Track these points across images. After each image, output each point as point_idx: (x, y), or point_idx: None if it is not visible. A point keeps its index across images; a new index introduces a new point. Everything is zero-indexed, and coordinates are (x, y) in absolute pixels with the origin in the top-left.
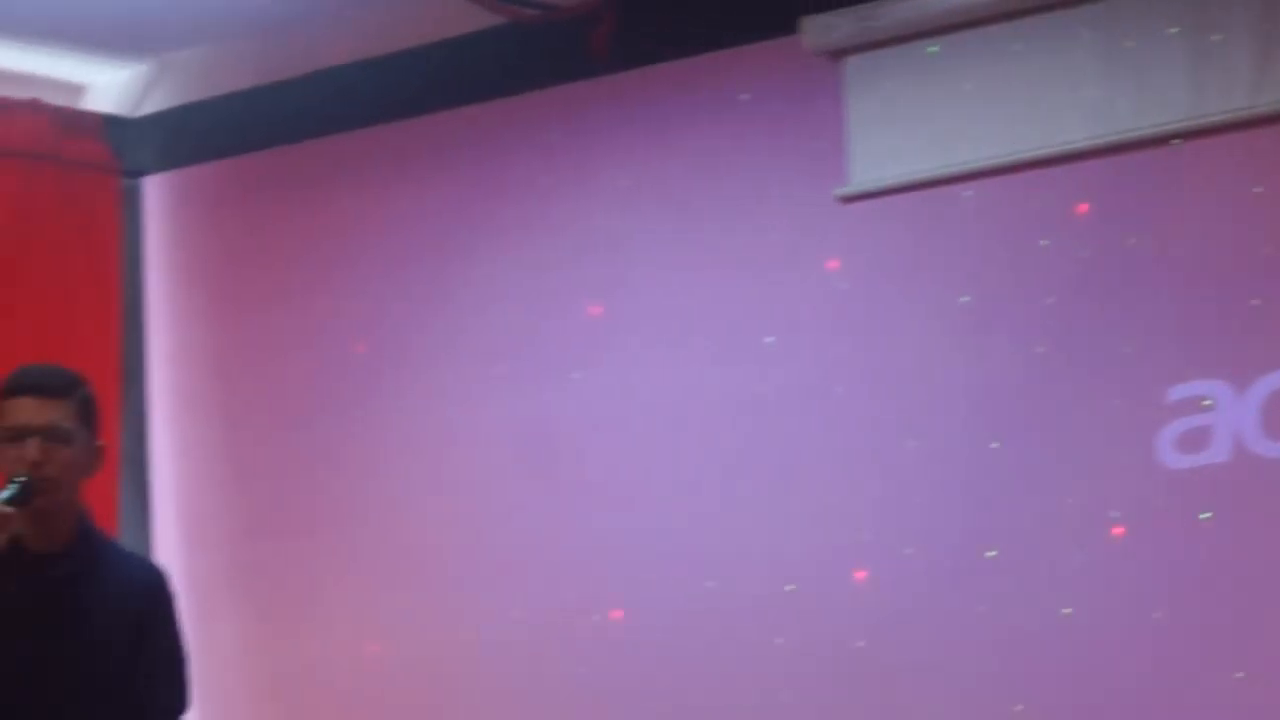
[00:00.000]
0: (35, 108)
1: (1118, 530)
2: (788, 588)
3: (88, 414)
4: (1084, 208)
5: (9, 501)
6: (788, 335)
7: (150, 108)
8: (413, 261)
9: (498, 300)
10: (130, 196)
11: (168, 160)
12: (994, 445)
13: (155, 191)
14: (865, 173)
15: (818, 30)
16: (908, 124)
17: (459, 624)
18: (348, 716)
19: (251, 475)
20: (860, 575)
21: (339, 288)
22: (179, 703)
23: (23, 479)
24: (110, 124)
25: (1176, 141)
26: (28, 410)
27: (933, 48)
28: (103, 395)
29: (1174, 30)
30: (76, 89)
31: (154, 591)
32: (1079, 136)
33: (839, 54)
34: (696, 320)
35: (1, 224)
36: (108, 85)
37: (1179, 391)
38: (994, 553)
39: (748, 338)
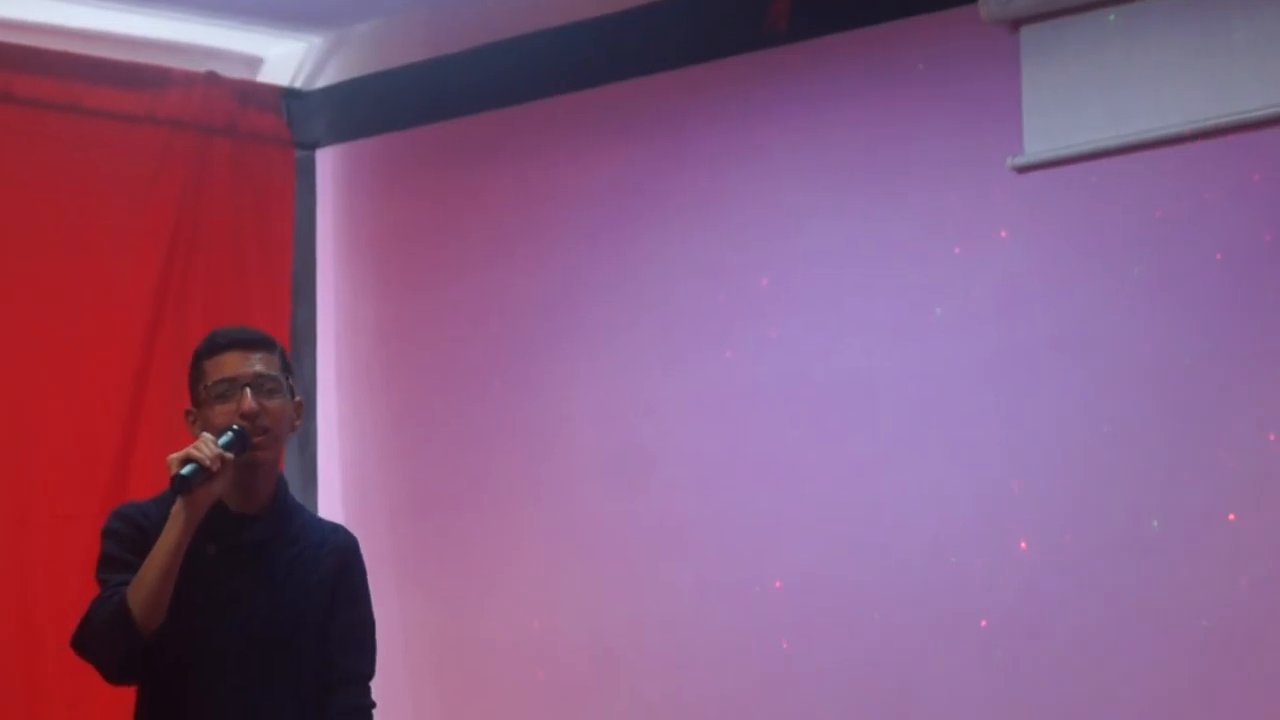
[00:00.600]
0: (212, 80)
1: None
2: (951, 560)
3: (289, 369)
4: (1258, 177)
5: (226, 447)
6: (958, 307)
7: (324, 81)
8: (585, 235)
9: (671, 274)
10: (304, 169)
11: (341, 133)
12: (1167, 416)
13: (328, 164)
14: (1040, 143)
15: (995, 0)
16: (1084, 93)
17: (623, 599)
18: (510, 693)
19: (419, 452)
20: (1024, 546)
21: (511, 262)
22: (369, 669)
23: (236, 427)
24: (286, 97)
25: None
26: (234, 363)
27: (1111, 16)
28: None
29: None
30: (253, 62)
31: (347, 557)
32: (1255, 106)
33: (1015, 23)
34: (866, 292)
35: (177, 195)
36: (283, 58)
37: None
38: (1157, 523)
39: (917, 310)
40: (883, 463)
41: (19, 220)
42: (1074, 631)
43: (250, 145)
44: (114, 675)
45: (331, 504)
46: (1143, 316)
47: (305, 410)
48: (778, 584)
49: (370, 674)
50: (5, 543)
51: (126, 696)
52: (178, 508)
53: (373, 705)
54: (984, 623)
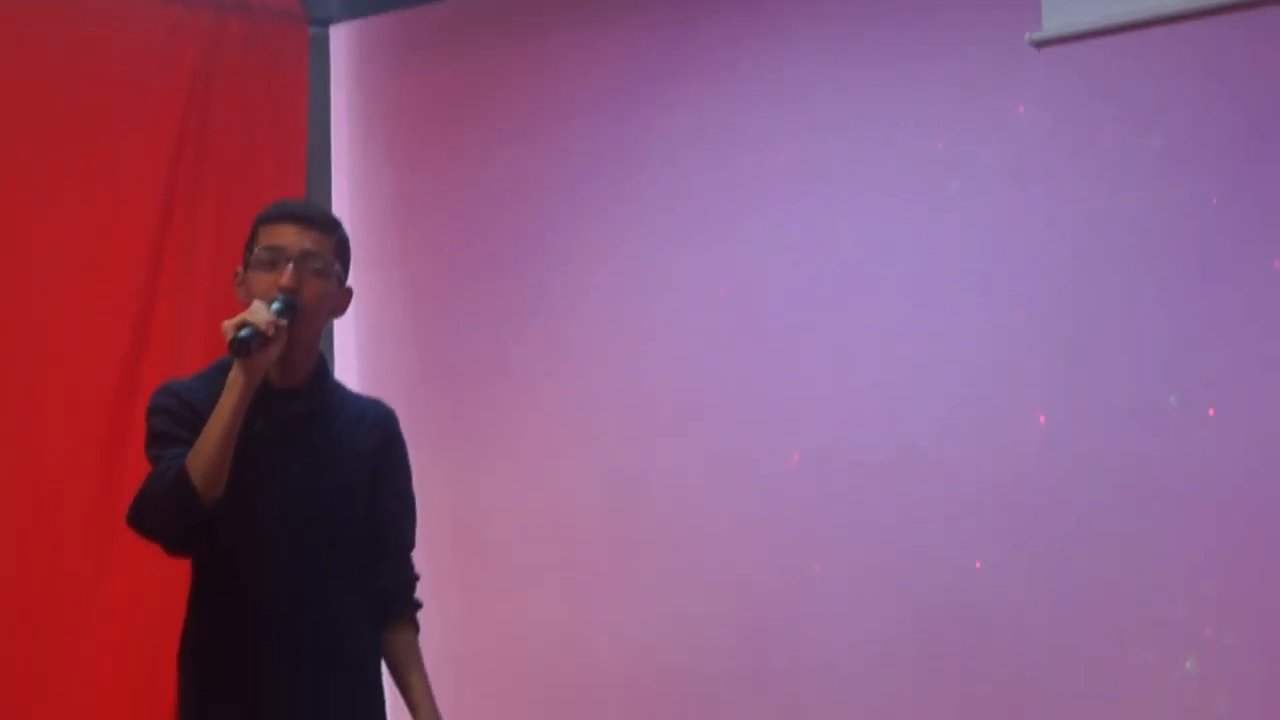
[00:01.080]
0: None
1: None
2: (967, 433)
3: (345, 256)
4: (1274, 51)
5: (279, 314)
6: (974, 181)
7: None
8: (600, 110)
9: (685, 147)
10: (317, 45)
11: (355, 8)
12: (1183, 288)
13: (342, 40)
14: (1058, 18)
15: None
16: None
17: (638, 474)
18: (529, 562)
19: (435, 327)
20: (1041, 420)
21: (526, 137)
22: (411, 538)
23: (286, 297)
24: None
25: None
26: (287, 235)
27: None
28: None
29: None
30: None
31: (388, 430)
32: None
33: None
34: (883, 165)
35: (190, 72)
36: None
37: None
38: (1174, 398)
39: (933, 184)
40: (899, 335)
41: (29, 100)
42: (1091, 505)
43: (264, 21)
44: (174, 546)
45: (348, 378)
46: (1161, 189)
47: None
48: (795, 458)
49: (412, 545)
50: (21, 427)
51: (142, 575)
52: (235, 374)
53: (417, 578)
54: (1000, 495)
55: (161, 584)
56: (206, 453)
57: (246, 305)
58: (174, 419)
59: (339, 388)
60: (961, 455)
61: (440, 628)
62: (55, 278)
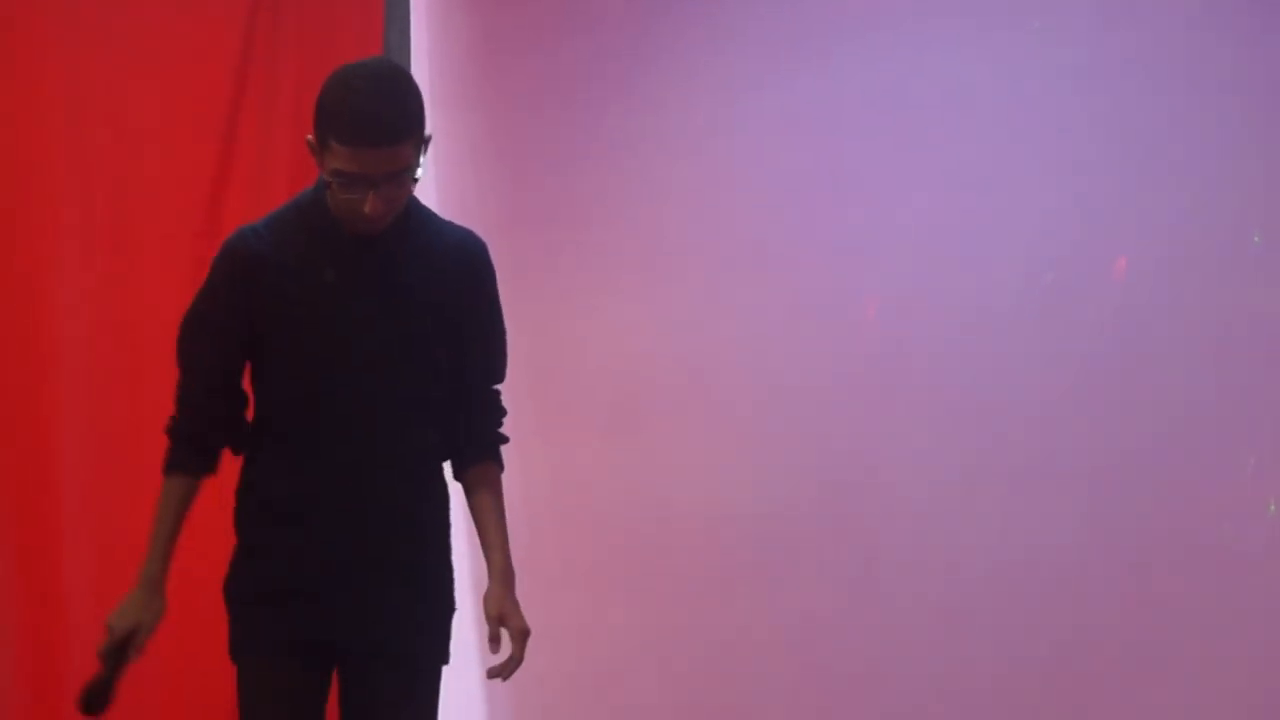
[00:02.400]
0: None
1: None
2: (1048, 276)
3: (421, 123)
4: None
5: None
6: (1057, 18)
7: None
8: None
9: None
10: None
11: None
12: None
13: None
14: None
15: None
16: None
17: (713, 322)
18: (602, 414)
19: (514, 170)
20: (1121, 264)
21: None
22: (501, 372)
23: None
24: None
25: None
26: (365, 161)
27: None
28: None
29: None
30: None
31: (475, 264)
32: None
33: None
34: (958, 6)
35: None
36: None
37: None
38: (1257, 237)
39: (1015, 22)
40: (979, 178)
41: None
42: (1172, 343)
43: None
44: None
45: None
46: (1246, 30)
47: None
48: (870, 310)
49: (502, 378)
50: (111, 266)
51: None
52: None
53: (504, 412)
54: (1081, 341)
55: None
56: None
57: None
58: (216, 299)
59: (427, 223)
60: (1042, 299)
61: (519, 475)
62: (138, 124)
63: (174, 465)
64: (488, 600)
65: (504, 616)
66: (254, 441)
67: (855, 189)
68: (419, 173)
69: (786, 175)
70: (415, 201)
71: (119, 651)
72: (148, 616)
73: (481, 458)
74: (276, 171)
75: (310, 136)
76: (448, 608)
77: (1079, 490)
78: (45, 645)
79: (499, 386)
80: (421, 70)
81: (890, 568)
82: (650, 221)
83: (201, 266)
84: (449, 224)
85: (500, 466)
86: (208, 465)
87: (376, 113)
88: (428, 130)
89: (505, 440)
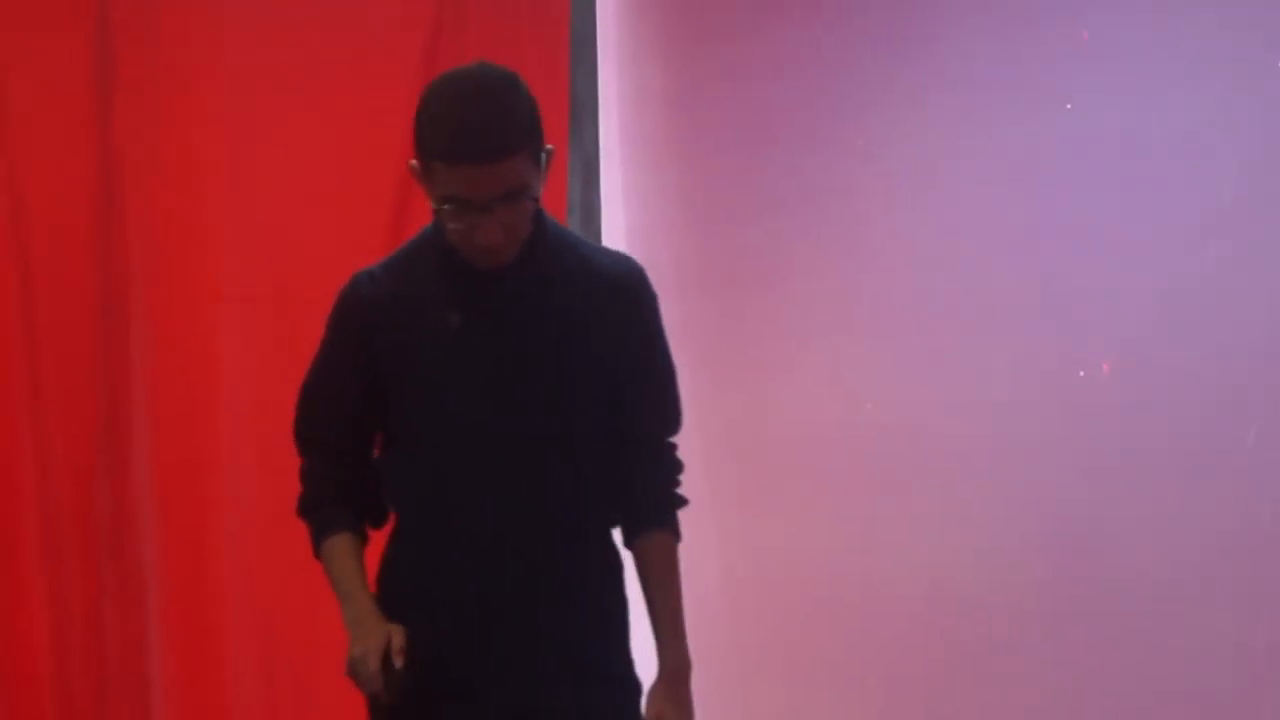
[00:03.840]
0: None
1: None
2: None
3: (536, 137)
4: None
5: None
6: None
7: None
8: None
9: (973, 30)
10: None
11: None
12: None
13: None
14: None
15: None
16: None
17: (930, 382)
18: (809, 482)
19: (708, 224)
20: None
21: (812, 13)
22: (671, 420)
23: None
24: None
25: None
26: (473, 181)
27: None
28: (550, 137)
29: None
30: None
31: (630, 293)
32: None
33: None
34: (1204, 41)
35: None
36: None
37: None
38: None
39: (1263, 66)
40: (1220, 227)
41: None
42: None
43: None
44: None
45: None
46: None
47: (589, 182)
48: (1105, 367)
49: (673, 428)
50: (273, 322)
51: None
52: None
53: (680, 467)
54: None
55: None
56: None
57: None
58: (331, 348)
59: (571, 249)
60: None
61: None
62: (311, 175)
63: (325, 530)
64: (650, 697)
65: (661, 717)
66: (393, 519)
67: (1087, 238)
68: (538, 190)
69: (1011, 224)
70: (555, 224)
71: (385, 670)
72: (382, 628)
73: (651, 523)
74: None
75: (412, 161)
76: (631, 697)
77: None
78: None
79: (672, 438)
80: (610, 120)
81: (1128, 653)
82: (852, 277)
83: None
84: (599, 248)
85: (675, 534)
86: (358, 520)
87: (480, 125)
88: (548, 145)
89: (682, 502)
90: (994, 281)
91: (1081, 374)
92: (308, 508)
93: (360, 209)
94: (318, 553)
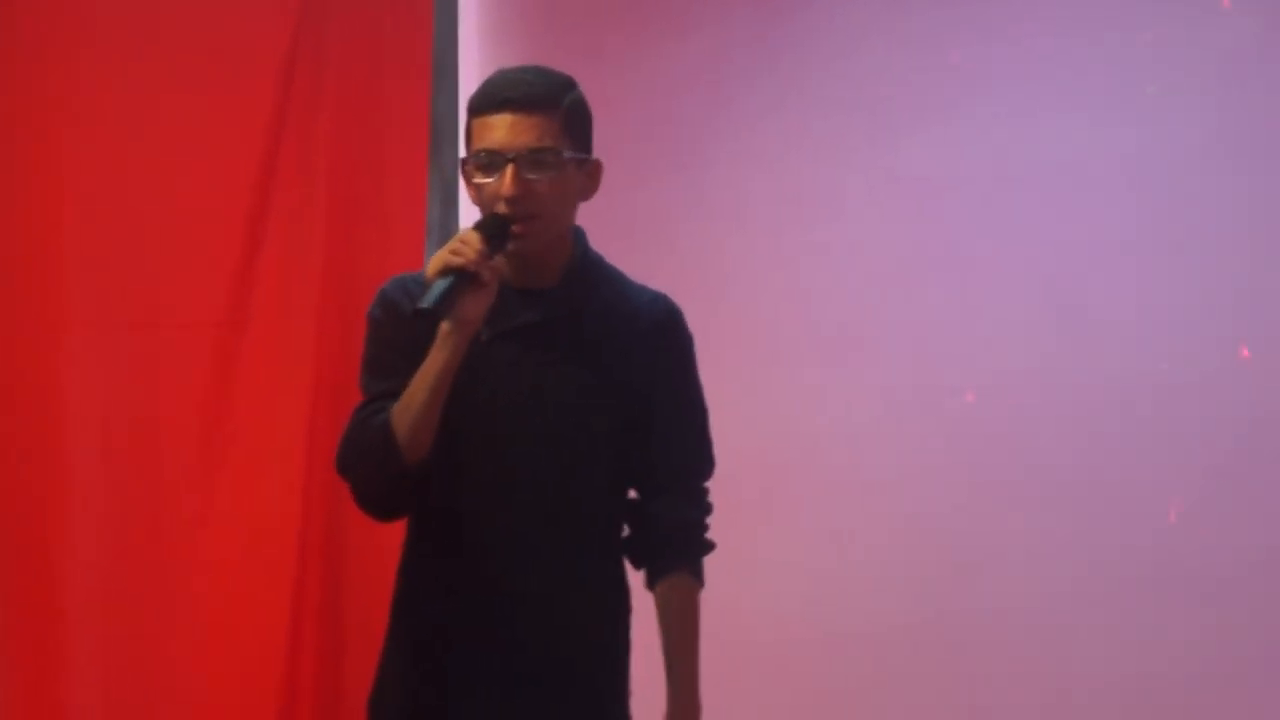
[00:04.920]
0: None
1: None
2: (1164, 366)
3: (579, 126)
4: None
5: (489, 242)
6: (1174, 85)
7: None
8: (756, 4)
9: (851, 47)
10: None
11: None
12: None
13: None
14: None
15: None
16: None
17: (801, 409)
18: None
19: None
20: (1245, 353)
21: (667, 37)
22: (703, 463)
23: (492, 217)
24: None
25: None
26: (500, 131)
27: None
28: (410, 158)
29: None
30: None
31: (667, 332)
32: None
33: None
34: (1069, 70)
35: None
36: None
37: None
38: None
39: (1128, 90)
40: (1090, 256)
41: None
42: None
43: None
44: (377, 508)
45: None
46: None
47: (448, 204)
48: (969, 396)
49: (705, 471)
50: (129, 351)
51: (249, 511)
52: (446, 328)
53: (708, 510)
54: (1199, 430)
55: (268, 535)
56: (410, 412)
57: (476, 205)
58: (381, 339)
59: (609, 281)
60: (1156, 389)
61: None
62: (163, 191)
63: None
64: None
65: None
66: (409, 538)
67: (957, 266)
68: (571, 173)
69: (885, 242)
70: (597, 256)
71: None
72: None
73: (673, 567)
74: (311, 255)
75: (464, 156)
76: None
77: (1208, 595)
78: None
79: (703, 481)
80: None
81: (999, 683)
82: (737, 296)
83: (226, 359)
84: (640, 286)
85: (698, 578)
86: None
87: (517, 79)
88: (595, 156)
89: (709, 547)
90: (871, 308)
91: (950, 401)
92: (369, 420)
93: (212, 230)
94: (382, 428)
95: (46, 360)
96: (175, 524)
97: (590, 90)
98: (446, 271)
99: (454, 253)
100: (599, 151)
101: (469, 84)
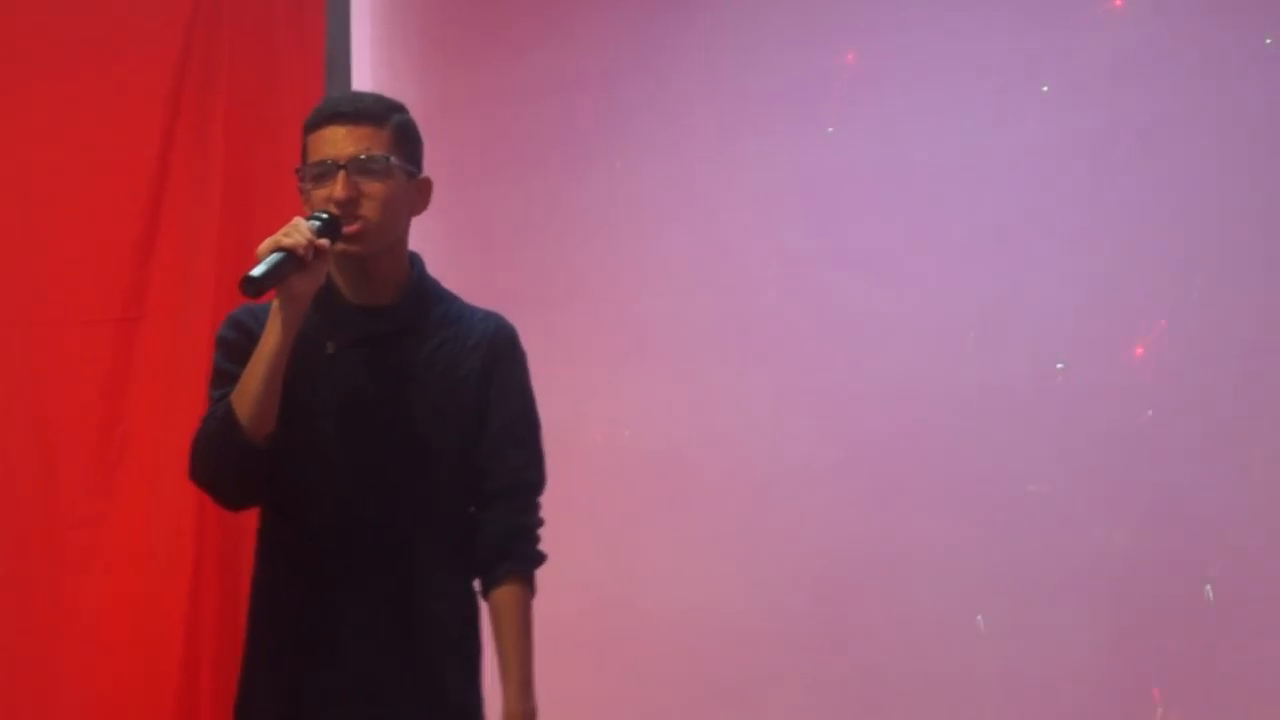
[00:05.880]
0: None
1: None
2: (1058, 366)
3: (408, 143)
4: None
5: (319, 233)
6: (1067, 83)
7: None
8: (649, 4)
9: (735, 47)
10: None
11: None
12: None
13: None
14: None
15: None
16: None
17: (696, 408)
18: (574, 507)
19: (465, 244)
20: (1139, 352)
21: (563, 36)
22: (531, 476)
23: (326, 214)
24: None
25: None
26: (332, 141)
27: None
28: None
29: None
30: None
31: (499, 349)
32: None
33: None
34: (964, 68)
35: None
36: None
37: None
38: None
39: (1022, 87)
40: (991, 252)
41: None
42: (1189, 435)
43: None
44: (229, 494)
45: None
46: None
47: None
48: (868, 397)
49: (536, 483)
50: (20, 348)
51: (145, 516)
52: (277, 304)
53: (538, 523)
54: (1095, 426)
55: (165, 535)
56: (250, 389)
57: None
58: (230, 355)
59: (442, 300)
60: (1053, 389)
61: None
62: (55, 198)
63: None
64: None
65: None
66: (261, 533)
67: (857, 264)
68: (408, 171)
69: (784, 242)
70: (434, 281)
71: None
72: None
73: (504, 577)
74: (204, 252)
75: (297, 169)
76: None
77: (1099, 596)
78: None
79: (535, 496)
80: None
81: (889, 682)
82: (623, 297)
83: (123, 355)
84: (474, 307)
85: (529, 588)
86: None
87: (347, 97)
88: (425, 175)
89: (539, 559)
90: (756, 306)
91: (848, 403)
92: (212, 411)
93: (106, 227)
94: (224, 409)
95: None
96: (71, 524)
97: (478, 90)
98: (276, 250)
99: (284, 234)
100: (498, 149)
101: (362, 83)
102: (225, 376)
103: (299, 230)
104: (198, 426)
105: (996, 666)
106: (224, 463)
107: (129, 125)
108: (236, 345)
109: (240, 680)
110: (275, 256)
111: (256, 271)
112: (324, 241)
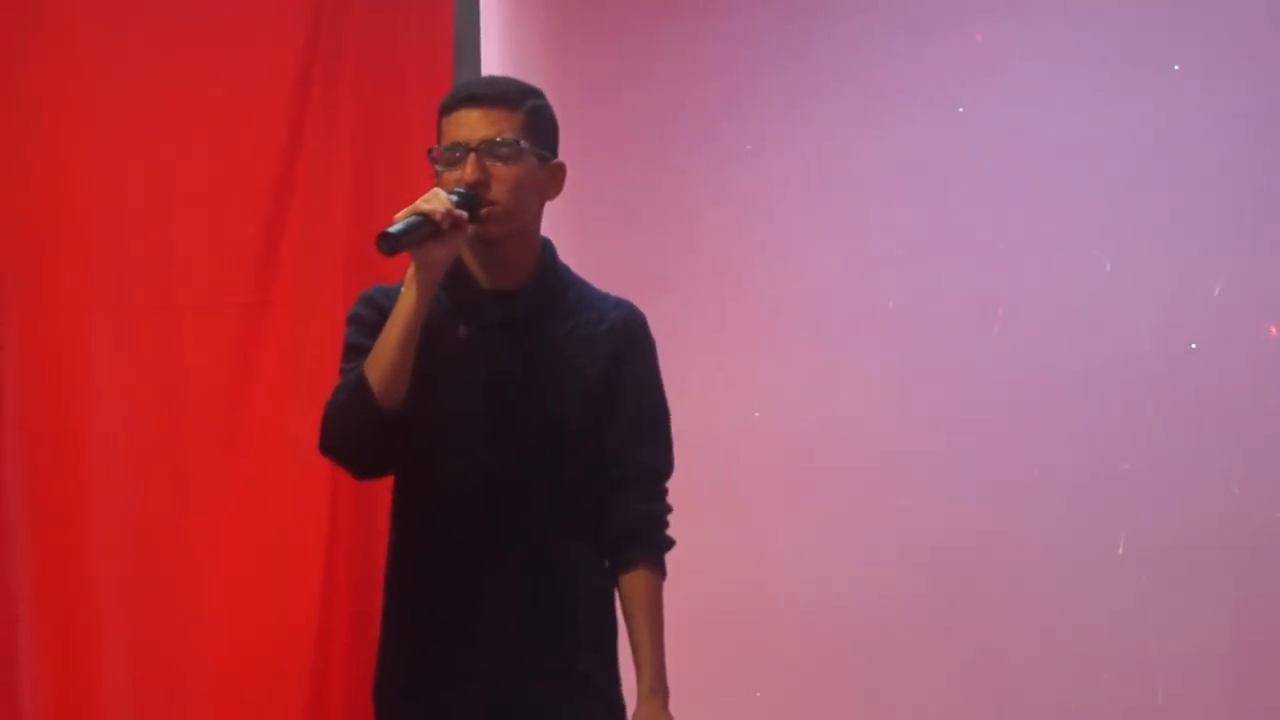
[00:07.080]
0: None
1: None
2: (1192, 345)
3: (541, 127)
4: None
5: (458, 205)
6: (1199, 62)
7: None
8: None
9: (875, 28)
10: None
11: None
12: None
13: None
14: None
15: None
16: None
17: (824, 391)
18: (704, 490)
19: (598, 228)
20: (1274, 331)
21: (702, 16)
22: (660, 463)
23: (466, 189)
24: None
25: None
26: (465, 124)
27: None
28: (432, 141)
29: None
30: None
31: (630, 335)
32: None
33: None
34: (1093, 46)
35: None
36: None
37: None
38: None
39: (1152, 66)
40: (1106, 234)
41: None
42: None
43: None
44: (357, 460)
45: None
46: None
47: None
48: (991, 378)
49: (664, 470)
50: (151, 332)
51: (273, 498)
52: (410, 273)
53: (666, 509)
54: (1229, 409)
55: (294, 519)
56: (383, 356)
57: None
58: (363, 330)
59: (574, 286)
60: (1181, 367)
61: None
62: (185, 180)
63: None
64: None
65: None
66: (394, 517)
67: (976, 246)
68: (540, 155)
69: (914, 225)
70: (565, 266)
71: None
72: None
73: (635, 562)
74: (332, 235)
75: (429, 151)
76: (611, 713)
77: (1225, 577)
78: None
79: (663, 481)
80: None
81: (1014, 666)
82: (752, 283)
83: (250, 342)
84: (604, 293)
85: (660, 572)
86: None
87: (477, 80)
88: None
89: (668, 544)
90: (882, 290)
91: (973, 385)
92: (343, 381)
93: (235, 212)
94: (356, 375)
95: (70, 346)
96: (201, 509)
97: (609, 69)
98: (415, 214)
99: (424, 200)
100: (626, 131)
101: (491, 66)
102: (356, 350)
103: (438, 198)
104: (329, 398)
105: (1116, 651)
106: (354, 428)
107: (257, 109)
108: (369, 321)
109: (379, 658)
110: (413, 219)
111: (394, 229)
112: (462, 213)
